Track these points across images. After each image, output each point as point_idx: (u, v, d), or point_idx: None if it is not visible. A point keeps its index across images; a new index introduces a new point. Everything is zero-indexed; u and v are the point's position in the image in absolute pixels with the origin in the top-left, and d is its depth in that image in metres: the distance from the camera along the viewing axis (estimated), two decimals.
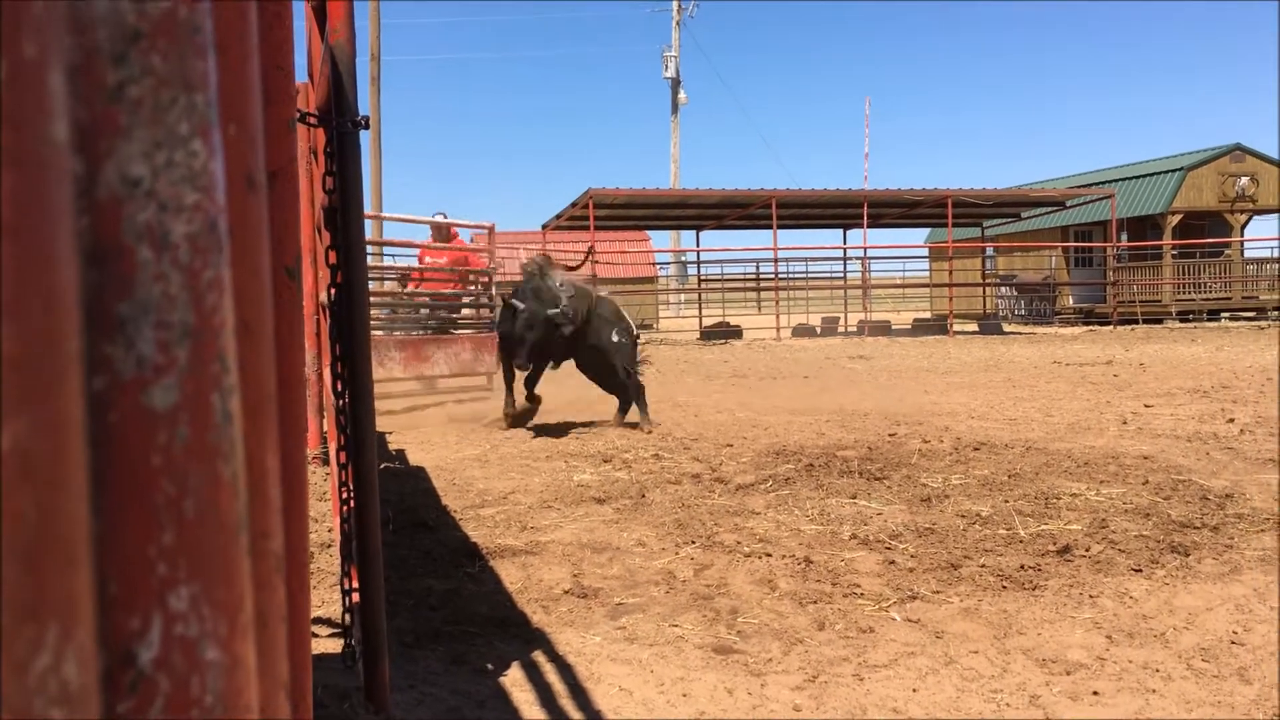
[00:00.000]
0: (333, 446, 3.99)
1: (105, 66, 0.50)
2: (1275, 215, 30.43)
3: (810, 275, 32.08)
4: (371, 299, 12.63)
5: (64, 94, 0.46)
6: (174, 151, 0.52)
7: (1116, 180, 30.68)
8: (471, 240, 13.97)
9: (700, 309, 27.90)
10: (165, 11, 0.52)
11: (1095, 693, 2.71)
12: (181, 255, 0.52)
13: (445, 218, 12.81)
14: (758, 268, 29.65)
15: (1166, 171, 29.97)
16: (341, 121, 2.17)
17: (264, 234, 0.68)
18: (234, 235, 0.59)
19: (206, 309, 0.53)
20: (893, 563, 3.95)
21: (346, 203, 2.21)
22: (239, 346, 0.58)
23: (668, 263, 37.78)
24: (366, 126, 2.18)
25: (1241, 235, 29.64)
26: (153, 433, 0.51)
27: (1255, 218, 30.59)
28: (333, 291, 2.24)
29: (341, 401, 2.34)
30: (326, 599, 3.63)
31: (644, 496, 5.32)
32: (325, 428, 6.12)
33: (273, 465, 0.67)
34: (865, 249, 27.61)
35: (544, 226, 28.63)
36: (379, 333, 10.51)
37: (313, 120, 2.24)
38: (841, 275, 30.71)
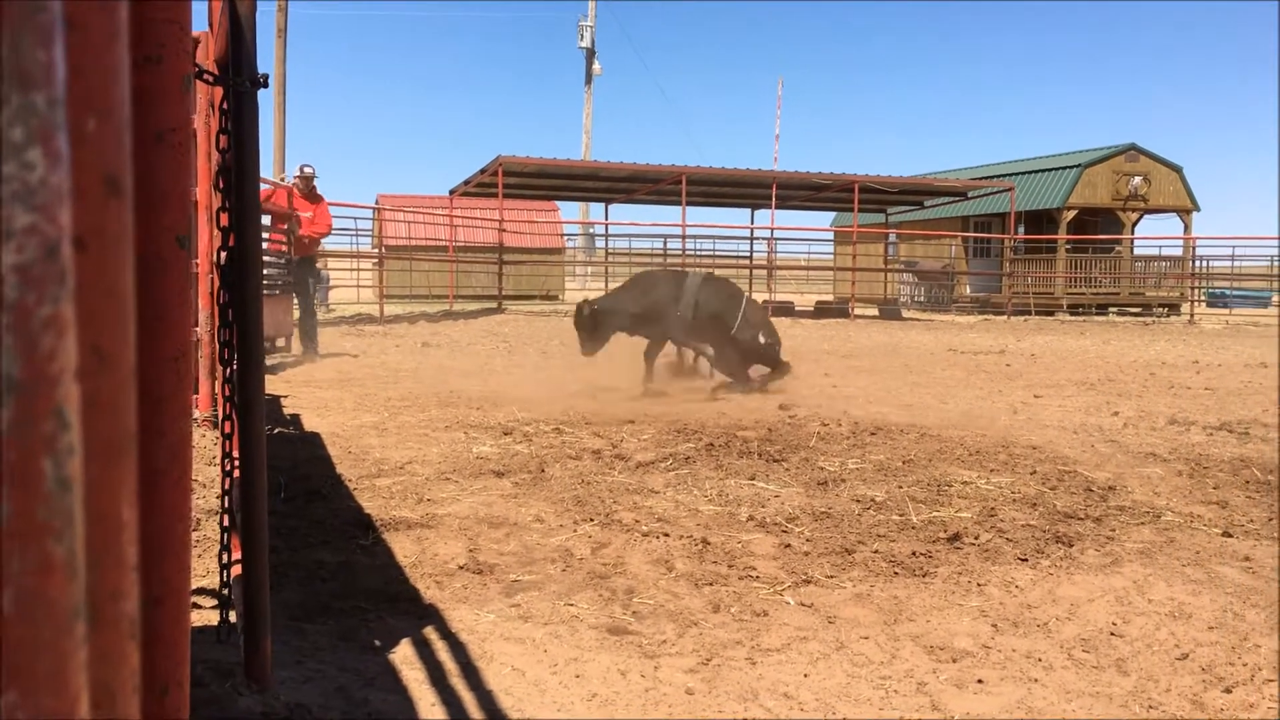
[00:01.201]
0: (221, 410, 3.86)
1: None
2: (1164, 215, 31.54)
3: (717, 253, 32.24)
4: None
5: None
6: (3, 163, 0.43)
7: (1017, 174, 31.47)
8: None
9: (607, 282, 27.85)
10: None
11: (980, 681, 2.77)
12: (9, 291, 0.43)
13: (312, 171, 12.74)
14: (665, 243, 29.67)
15: (1064, 168, 30.82)
16: (239, 80, 2.06)
17: (126, 243, 0.56)
18: (87, 250, 0.49)
19: (40, 356, 0.44)
20: (788, 546, 3.98)
21: (242, 164, 2.11)
22: (90, 383, 0.49)
23: (576, 234, 37.62)
24: (265, 85, 2.08)
25: (1132, 233, 30.67)
26: None
27: (1146, 216, 31.68)
28: (223, 255, 2.14)
29: (229, 370, 2.25)
30: (211, 568, 3.52)
31: (544, 471, 5.27)
32: (217, 390, 5.94)
33: (129, 517, 0.57)
34: (772, 230, 27.86)
35: (451, 192, 28.22)
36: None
37: (209, 78, 2.13)
38: (748, 255, 30.96)
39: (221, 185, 2.21)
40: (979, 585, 3.56)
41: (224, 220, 2.17)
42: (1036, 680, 2.78)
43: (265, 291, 11.72)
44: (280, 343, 12.26)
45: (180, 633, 1.24)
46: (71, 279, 0.46)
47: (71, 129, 0.46)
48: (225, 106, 2.18)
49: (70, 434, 0.46)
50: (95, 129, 0.52)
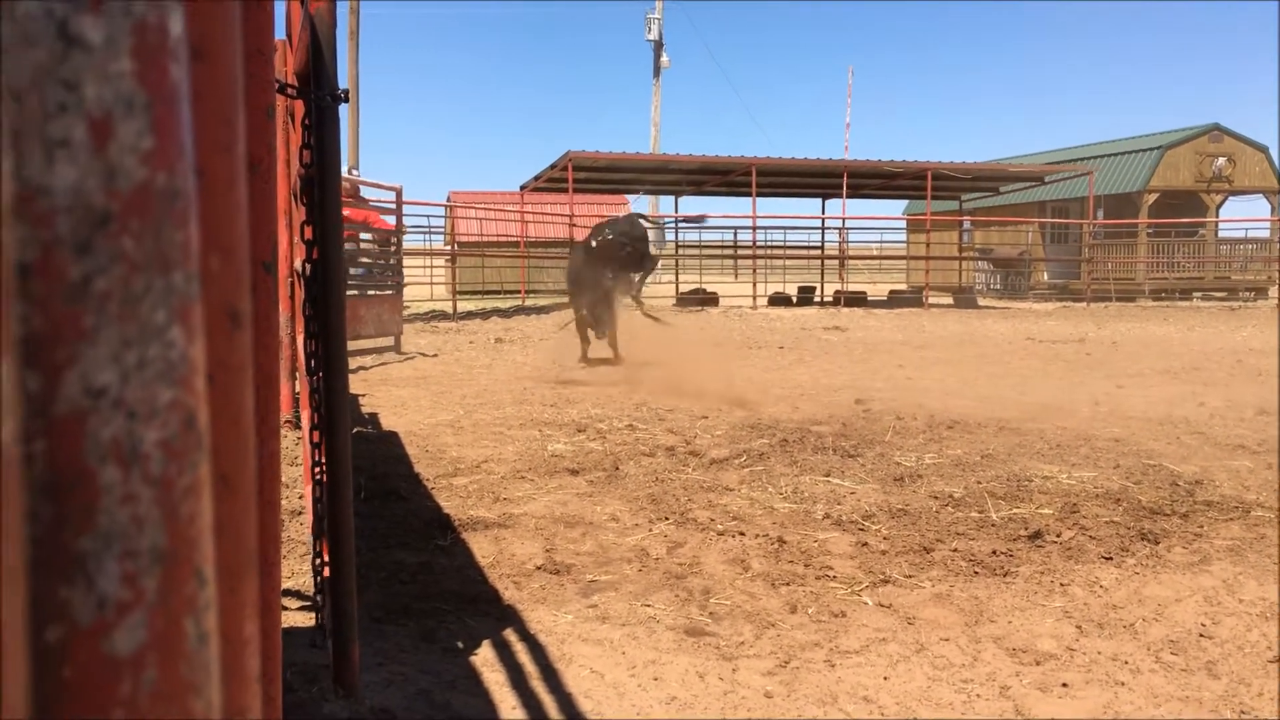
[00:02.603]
0: (305, 415, 3.94)
1: (67, 260, 0.42)
2: (1250, 196, 30.62)
3: (788, 244, 32.03)
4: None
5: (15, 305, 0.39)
6: (147, 347, 0.44)
7: (1095, 158, 30.78)
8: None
9: (677, 275, 27.84)
10: (140, 184, 0.43)
11: (1064, 684, 2.72)
12: (154, 467, 0.44)
13: (356, 174, 12.98)
14: (735, 235, 29.55)
15: (1145, 150, 30.08)
16: (320, 94, 2.10)
17: (247, 373, 0.59)
18: (214, 384, 0.51)
19: (182, 522, 0.45)
20: (865, 544, 3.95)
21: (324, 177, 2.15)
22: (218, 509, 0.50)
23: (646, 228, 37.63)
24: (346, 99, 2.12)
25: (1216, 215, 29.82)
26: (114, 684, 0.44)
27: (1231, 198, 30.78)
28: (308, 268, 2.19)
29: (316, 379, 2.30)
30: (296, 570, 3.60)
31: (618, 469, 5.30)
32: (297, 390, 6.06)
33: (251, 633, 0.57)
34: (844, 219, 27.60)
35: (522, 188, 28.41)
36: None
37: (291, 92, 2.17)
38: (819, 245, 30.71)
39: (305, 199, 2.25)
40: (1062, 585, 3.50)
41: (309, 233, 2.21)
42: (1123, 684, 2.73)
43: (373, 292, 11.82)
44: (387, 341, 12.15)
45: (273, 644, 1.28)
46: (208, 441, 0.47)
47: (202, 280, 0.48)
48: (307, 121, 2.22)
49: (208, 589, 0.47)
50: (220, 267, 0.54)
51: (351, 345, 11.20)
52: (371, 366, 10.29)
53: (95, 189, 0.42)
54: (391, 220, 13.43)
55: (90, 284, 0.42)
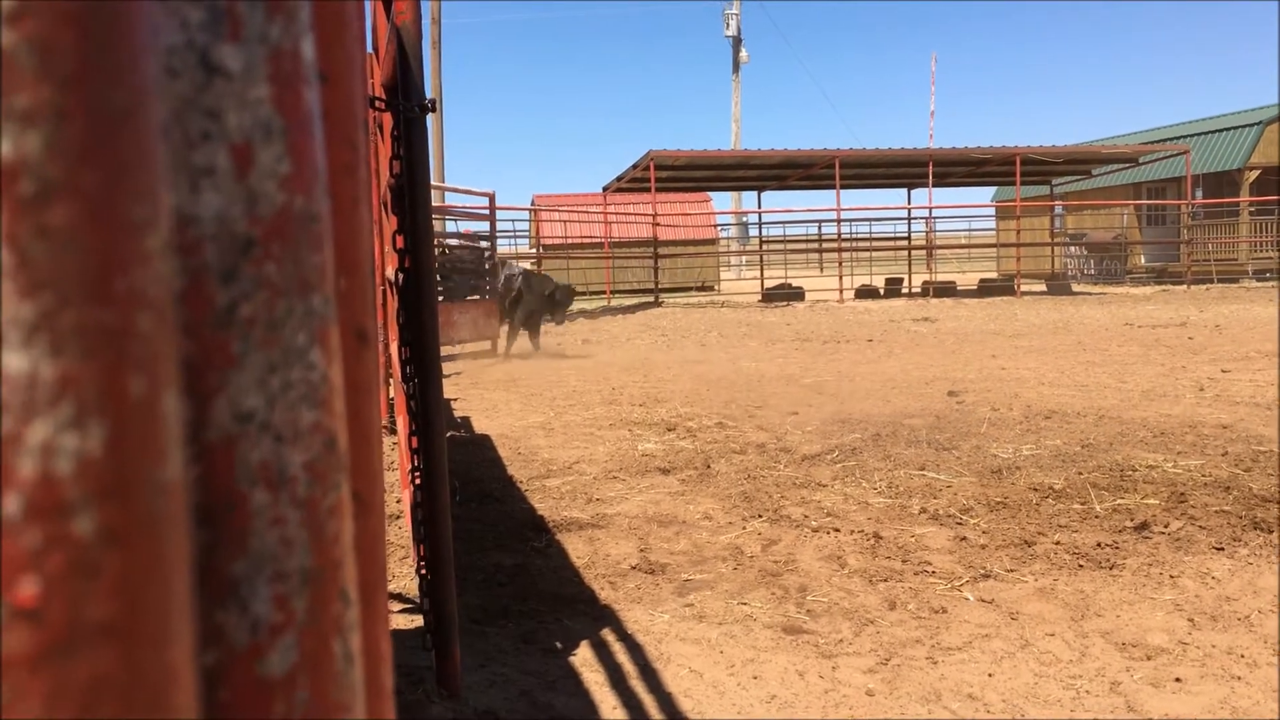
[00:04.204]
0: (400, 421, 4.01)
1: (214, 287, 0.43)
2: None
3: (874, 236, 31.67)
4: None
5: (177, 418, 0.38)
6: (290, 370, 0.45)
7: (1191, 135, 29.84)
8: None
9: (762, 270, 27.72)
10: (280, 209, 0.44)
11: (1178, 679, 2.65)
12: (300, 489, 0.45)
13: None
14: (820, 228, 29.30)
15: (1243, 126, 29.05)
16: (409, 106, 2.14)
17: (375, 389, 0.59)
18: (346, 400, 0.51)
19: (327, 541, 0.46)
20: (964, 539, 3.89)
21: (414, 187, 2.19)
22: (356, 527, 0.51)
23: (729, 224, 37.53)
24: (434, 110, 2.16)
25: None
26: (269, 705, 0.45)
27: None
28: (400, 277, 2.23)
29: (411, 386, 2.34)
30: (397, 572, 3.67)
31: (709, 467, 5.29)
32: (392, 396, 6.18)
33: (386, 649, 0.58)
34: (930, 209, 27.19)
35: (605, 189, 28.55)
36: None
37: (380, 105, 2.22)
38: (906, 235, 30.29)
39: (396, 208, 2.30)
40: (1171, 577, 3.40)
41: (400, 242, 2.25)
42: (1239, 678, 2.64)
43: (470, 297, 11.84)
44: (485, 345, 12.11)
45: (383, 648, 1.30)
46: (348, 459, 0.48)
47: (336, 304, 0.49)
48: (397, 133, 2.26)
49: (353, 610, 0.48)
50: (347, 287, 0.55)
51: (446, 350, 11.30)
52: (463, 370, 10.44)
53: (239, 215, 0.43)
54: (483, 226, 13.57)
55: (236, 310, 0.43)
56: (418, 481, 2.32)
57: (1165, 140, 29.85)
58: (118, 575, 0.33)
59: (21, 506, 0.31)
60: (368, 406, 0.57)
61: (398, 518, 4.33)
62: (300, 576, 0.45)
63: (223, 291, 0.43)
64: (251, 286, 0.44)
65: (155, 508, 0.34)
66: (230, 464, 0.44)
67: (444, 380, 8.61)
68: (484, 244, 13.26)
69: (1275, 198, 27.67)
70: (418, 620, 2.91)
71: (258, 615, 0.44)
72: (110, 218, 0.33)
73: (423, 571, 2.45)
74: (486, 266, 12.43)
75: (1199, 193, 28.98)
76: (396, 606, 3.32)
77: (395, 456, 5.36)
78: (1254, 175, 28.34)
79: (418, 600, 2.58)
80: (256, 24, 0.43)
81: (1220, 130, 29.91)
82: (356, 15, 0.57)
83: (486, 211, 13.89)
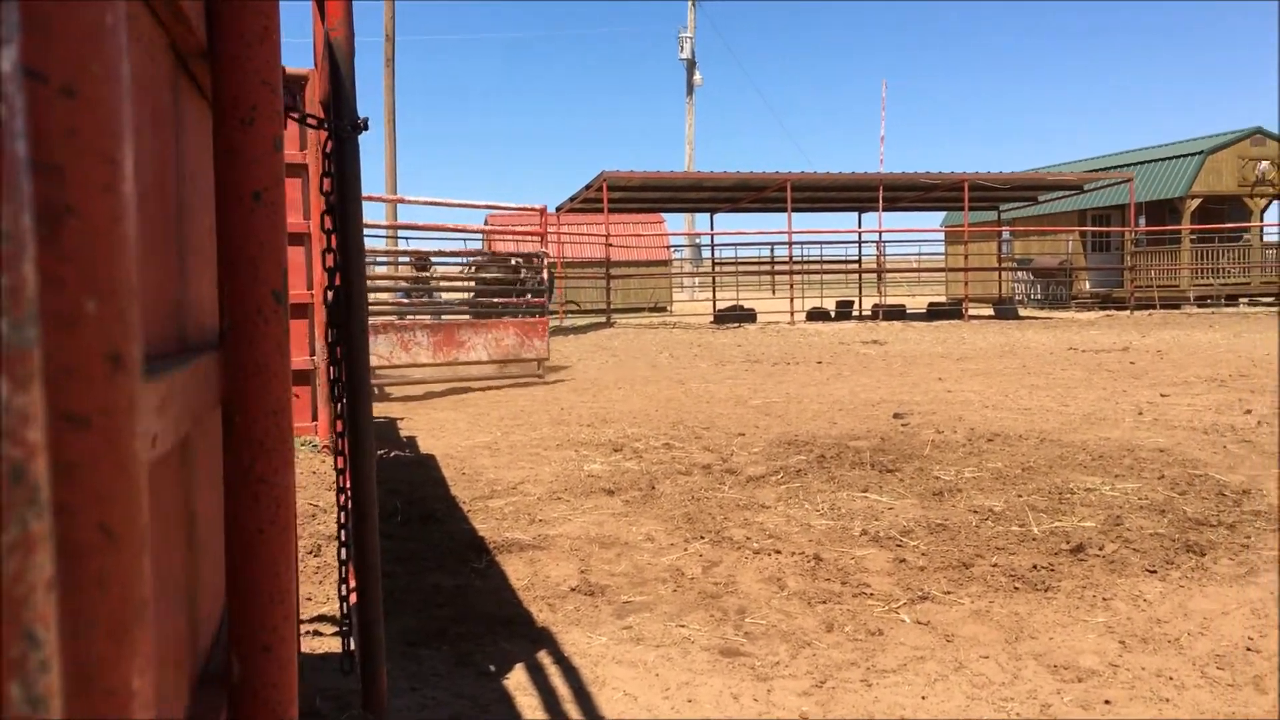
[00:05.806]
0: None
1: None
2: None
3: (825, 259, 31.90)
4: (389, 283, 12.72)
5: None
6: None
7: (1135, 164, 30.41)
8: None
9: (714, 292, 27.81)
10: None
11: (1107, 702, 2.67)
12: None
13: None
14: (772, 250, 29.48)
15: (1186, 155, 29.66)
16: (340, 125, 2.12)
17: (132, 418, 0.56)
18: (90, 430, 0.49)
19: (7, 579, 0.42)
20: (903, 561, 3.90)
21: (344, 206, 2.17)
22: (98, 561, 0.48)
23: (682, 245, 37.66)
24: (365, 128, 2.13)
25: (1261, 220, 29.33)
26: None
27: (1275, 202, 30.26)
28: (329, 295, 2.20)
29: (339, 405, 2.31)
30: (332, 595, 3.61)
31: (654, 488, 5.28)
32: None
33: (140, 686, 0.54)
34: (880, 232, 27.41)
35: (558, 209, 28.51)
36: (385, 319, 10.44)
37: (312, 123, 2.19)
38: (856, 259, 30.55)
39: (326, 225, 2.27)
40: (1105, 599, 3.43)
41: (329, 261, 2.22)
42: (1168, 700, 2.67)
43: (493, 317, 11.24)
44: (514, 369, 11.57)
45: (288, 679, 1.27)
46: (48, 497, 0.45)
47: (69, 314, 0.46)
48: (327, 149, 2.24)
49: (43, 650, 0.44)
50: (97, 310, 0.52)
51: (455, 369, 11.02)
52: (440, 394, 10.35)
53: None
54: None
55: None
56: (342, 502, 2.28)
57: (1110, 168, 30.39)
58: None
59: None
60: (124, 435, 0.53)
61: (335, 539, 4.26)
62: None
63: None
64: None
65: None
66: None
67: (391, 401, 8.54)
68: (517, 259, 12.89)
69: (1216, 226, 28.29)
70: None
71: None
72: None
73: (344, 593, 2.40)
74: (539, 283, 11.75)
75: (1142, 220, 29.53)
76: (329, 630, 3.26)
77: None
78: (1195, 204, 28.92)
79: (345, 623, 2.54)
80: None
81: (1163, 159, 30.51)
82: (120, 27, 0.54)
83: (490, 229, 14.16)
